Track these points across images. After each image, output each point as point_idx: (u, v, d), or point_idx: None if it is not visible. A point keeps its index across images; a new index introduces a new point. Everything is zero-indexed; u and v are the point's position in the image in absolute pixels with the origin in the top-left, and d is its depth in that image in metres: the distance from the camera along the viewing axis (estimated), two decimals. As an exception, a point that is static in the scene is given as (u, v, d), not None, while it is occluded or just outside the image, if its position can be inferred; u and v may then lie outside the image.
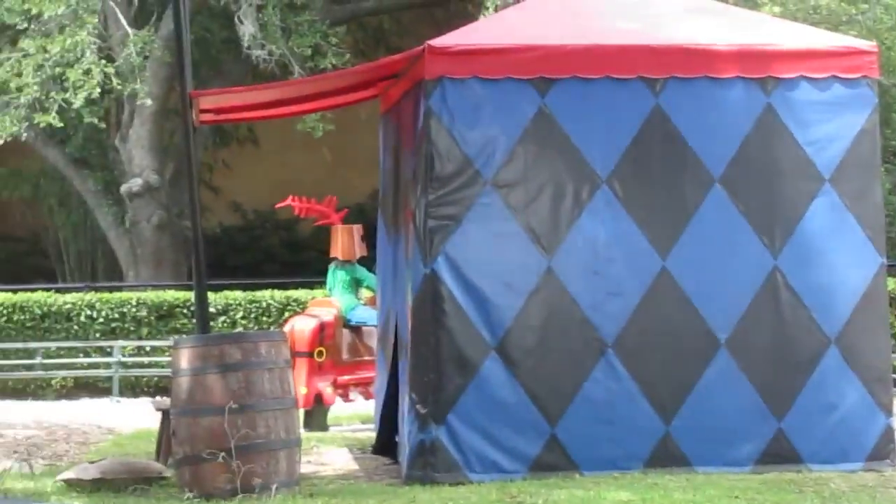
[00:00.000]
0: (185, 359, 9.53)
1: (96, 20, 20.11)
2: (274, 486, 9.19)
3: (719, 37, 10.21)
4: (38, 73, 19.62)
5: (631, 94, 9.93)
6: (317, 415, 13.64)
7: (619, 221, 9.92)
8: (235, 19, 20.53)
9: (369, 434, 12.47)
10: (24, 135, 20.99)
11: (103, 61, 19.94)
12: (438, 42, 9.97)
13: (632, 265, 9.92)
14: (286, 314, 18.59)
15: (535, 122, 9.86)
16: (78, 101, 19.38)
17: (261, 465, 9.27)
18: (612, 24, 10.37)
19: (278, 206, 15.12)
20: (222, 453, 9.14)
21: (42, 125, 20.26)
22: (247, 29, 20.19)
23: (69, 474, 10.11)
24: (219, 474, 9.24)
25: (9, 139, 20.22)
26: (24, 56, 19.87)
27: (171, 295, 19.56)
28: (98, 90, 19.57)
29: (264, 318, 19.10)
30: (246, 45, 20.31)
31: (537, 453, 9.70)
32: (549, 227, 9.84)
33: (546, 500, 8.76)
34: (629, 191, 9.94)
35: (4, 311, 19.00)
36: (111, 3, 20.84)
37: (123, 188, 22.85)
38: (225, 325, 18.77)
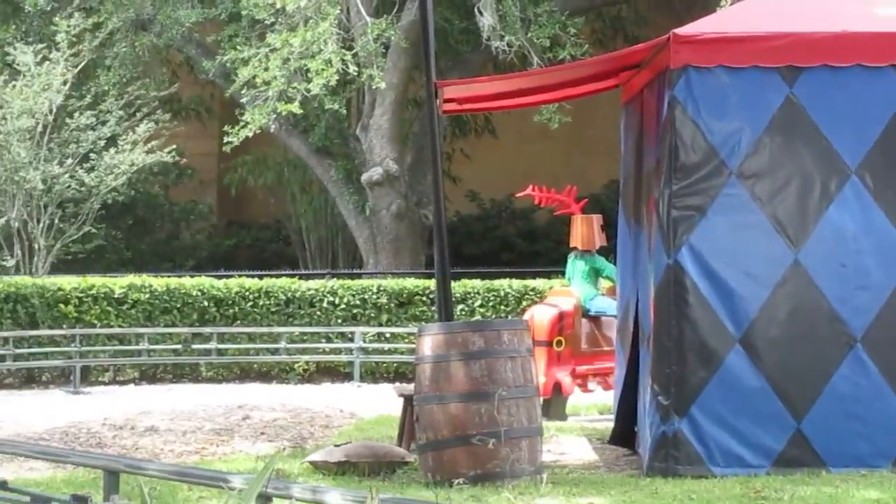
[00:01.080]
0: (428, 346, 9.65)
1: (338, 11, 20.51)
2: (517, 474, 9.25)
3: (977, 23, 9.86)
4: (284, 66, 20.10)
5: (883, 83, 9.64)
6: (556, 404, 13.64)
7: (868, 213, 9.66)
8: (475, 10, 20.68)
9: (607, 424, 12.43)
10: (272, 126, 21.58)
11: (343, 50, 20.33)
12: (684, 30, 9.86)
13: (882, 258, 9.65)
14: (524, 303, 18.69)
15: (783, 111, 9.68)
16: (315, 88, 19.79)
17: (503, 453, 9.33)
18: (865, 9, 10.09)
19: (519, 195, 15.19)
20: (492, 440, 9.23)
21: (284, 114, 20.78)
22: (486, 20, 20.32)
23: (315, 457, 10.35)
24: (462, 460, 9.35)
25: (257, 131, 20.80)
26: (271, 51, 20.39)
27: (410, 283, 19.86)
28: (335, 77, 19.97)
29: (502, 307, 19.22)
30: (486, 36, 20.44)
31: (782, 448, 9.54)
32: (795, 219, 9.66)
33: (792, 496, 8.61)
34: (879, 182, 9.67)
35: (251, 297, 19.55)
36: (353, -5, 21.29)
37: (364, 177, 23.26)
38: (463, 313, 18.95)
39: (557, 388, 13.59)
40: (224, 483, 5.80)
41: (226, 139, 21.05)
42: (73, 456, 8.31)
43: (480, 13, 20.42)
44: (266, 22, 20.91)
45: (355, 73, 20.37)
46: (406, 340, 18.97)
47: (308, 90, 19.80)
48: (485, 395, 9.36)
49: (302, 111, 20.67)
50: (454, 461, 9.38)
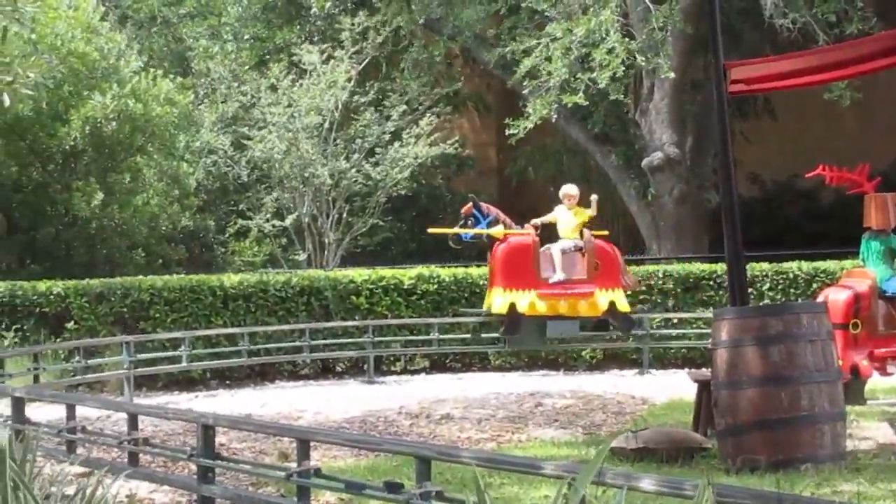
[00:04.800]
0: (725, 330, 9.56)
1: (619, -2, 20.51)
2: (820, 459, 9.08)
3: None
4: (566, 55, 20.17)
5: None
6: (853, 388, 13.28)
7: None
8: (757, -10, 20.38)
9: (909, 408, 12.12)
10: (554, 116, 21.68)
11: (626, 39, 20.28)
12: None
13: None
14: (814, 286, 18.31)
15: None
16: (602, 81, 19.79)
17: (805, 438, 9.18)
18: None
19: (809, 175, 14.87)
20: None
21: (568, 105, 20.84)
22: (770, -2, 19.98)
23: (613, 443, 10.35)
24: (762, 446, 9.23)
25: (538, 122, 20.93)
26: (552, 40, 20.48)
27: (696, 267, 19.66)
28: (622, 68, 19.93)
29: (791, 290, 18.86)
30: (768, 14, 20.11)
31: None
32: None
33: None
34: None
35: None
36: (632, -20, 21.22)
37: (644, 162, 23.16)
38: (752, 297, 18.59)
39: (855, 371, 13.26)
40: (538, 470, 5.88)
41: (508, 132, 21.24)
42: (385, 444, 8.53)
43: (763, -8, 20.10)
44: (545, 13, 21.01)
45: (642, 62, 20.27)
46: (694, 326, 18.79)
47: (594, 81, 19.80)
48: (785, 379, 9.22)
49: (587, 102, 20.69)
50: (754, 447, 9.27)
